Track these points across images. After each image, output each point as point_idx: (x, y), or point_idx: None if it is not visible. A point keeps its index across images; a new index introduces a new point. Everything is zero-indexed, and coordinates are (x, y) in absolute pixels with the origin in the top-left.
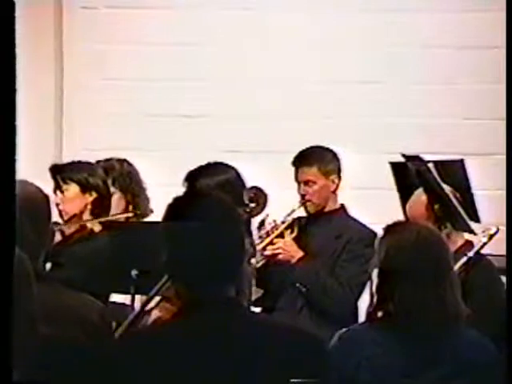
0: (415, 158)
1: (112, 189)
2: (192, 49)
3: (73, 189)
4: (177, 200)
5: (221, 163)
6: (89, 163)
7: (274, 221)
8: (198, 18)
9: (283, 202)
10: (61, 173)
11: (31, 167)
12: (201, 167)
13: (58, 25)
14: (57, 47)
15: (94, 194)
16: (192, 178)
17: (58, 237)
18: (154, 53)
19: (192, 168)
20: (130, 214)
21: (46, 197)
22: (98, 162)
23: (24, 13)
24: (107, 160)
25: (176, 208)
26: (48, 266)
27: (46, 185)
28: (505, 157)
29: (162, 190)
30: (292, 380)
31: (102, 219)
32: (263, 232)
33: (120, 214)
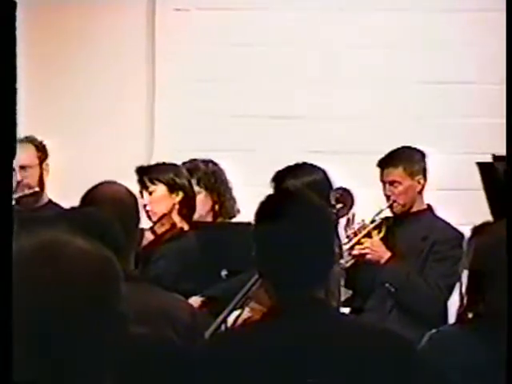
0: (503, 159)
1: (197, 188)
2: (280, 50)
3: (160, 189)
4: (268, 199)
5: (308, 164)
6: (173, 164)
7: (363, 220)
8: (289, 19)
9: (368, 203)
10: (148, 174)
11: (121, 168)
12: (288, 168)
13: (151, 26)
14: (149, 48)
15: (181, 194)
16: (279, 178)
17: (149, 236)
18: (243, 54)
19: (279, 169)
20: None
21: (135, 197)
22: (184, 162)
23: (116, 13)
24: (192, 160)
25: (267, 207)
26: (139, 265)
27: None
28: None
29: (249, 191)
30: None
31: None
32: (351, 232)
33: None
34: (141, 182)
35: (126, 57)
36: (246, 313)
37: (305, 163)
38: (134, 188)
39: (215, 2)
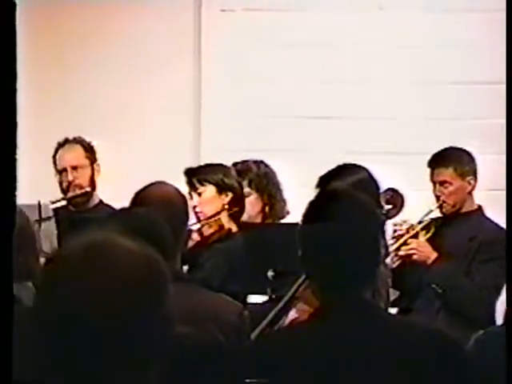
0: None
1: (248, 190)
2: (323, 50)
3: (209, 190)
4: (316, 200)
5: (352, 164)
6: (221, 165)
7: (408, 222)
8: (329, 20)
9: (416, 203)
10: (196, 175)
11: (169, 169)
12: (331, 171)
13: (197, 27)
14: (195, 49)
15: (230, 195)
16: (324, 181)
17: (196, 237)
18: (288, 54)
19: (327, 169)
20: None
21: (184, 198)
22: (235, 163)
23: (163, 14)
24: (244, 161)
25: (314, 208)
26: (186, 266)
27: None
28: None
29: (299, 192)
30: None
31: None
32: (397, 233)
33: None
34: (190, 183)
35: (172, 58)
36: (293, 313)
37: (347, 164)
38: (183, 189)
39: (261, 2)
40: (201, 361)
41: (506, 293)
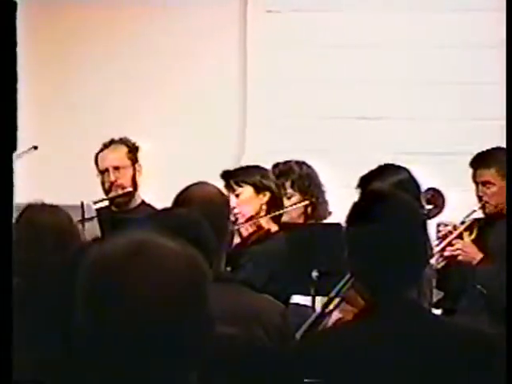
0: None
1: (290, 191)
2: (368, 50)
3: (247, 191)
4: (361, 200)
5: (392, 165)
6: (258, 166)
7: (452, 224)
8: (376, 20)
9: (459, 204)
10: (233, 177)
11: (213, 170)
12: (373, 170)
13: (243, 28)
14: (241, 50)
15: (268, 195)
16: (365, 182)
17: (236, 239)
18: (333, 55)
19: (368, 170)
20: (306, 202)
21: (226, 198)
22: (277, 164)
23: (209, 15)
24: (286, 162)
25: (359, 208)
26: (228, 267)
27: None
28: None
29: (340, 192)
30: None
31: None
32: (441, 233)
33: (293, 204)
34: (227, 185)
35: (217, 59)
36: (337, 314)
37: (388, 164)
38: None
39: (307, 3)
40: (245, 361)
41: (506, 292)
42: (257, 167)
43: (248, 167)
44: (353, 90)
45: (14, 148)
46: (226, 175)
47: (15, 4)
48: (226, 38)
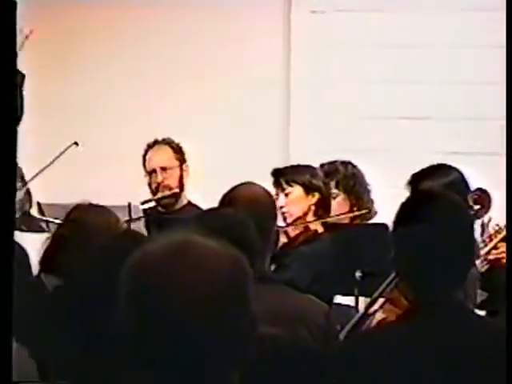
0: None
1: (335, 191)
2: (414, 51)
3: (297, 191)
4: (409, 200)
5: (444, 165)
6: (309, 166)
7: (497, 225)
8: (420, 21)
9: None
10: (284, 175)
11: (258, 170)
12: (424, 169)
13: (287, 29)
14: (285, 50)
15: (317, 195)
16: (415, 180)
17: (283, 239)
18: (378, 55)
19: (415, 170)
20: (357, 213)
21: (272, 199)
22: (323, 164)
23: (252, 16)
24: (331, 162)
25: (407, 208)
26: (273, 267)
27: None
28: None
29: (386, 192)
30: None
31: (325, 219)
32: (486, 236)
33: (345, 213)
34: (277, 183)
35: (261, 59)
36: (381, 314)
37: (441, 164)
38: (271, 190)
39: (351, 3)
40: (289, 362)
41: (506, 292)
42: (307, 167)
43: (299, 166)
44: (397, 90)
45: (14, 148)
46: (277, 173)
47: (15, 4)
48: (269, 39)
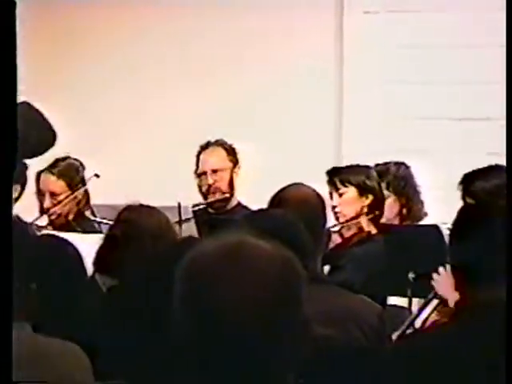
0: None
1: (386, 192)
2: (463, 51)
3: (351, 191)
4: (469, 205)
5: (497, 166)
6: (365, 166)
7: None
8: (470, 21)
9: None
10: (339, 175)
11: (310, 171)
12: (477, 170)
13: (339, 29)
14: (337, 51)
15: (371, 197)
16: (467, 180)
17: (336, 239)
18: (431, 56)
19: (466, 171)
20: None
21: (323, 200)
22: (377, 165)
23: (306, 16)
24: (385, 163)
25: (467, 212)
26: (327, 268)
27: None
28: None
29: (437, 194)
30: None
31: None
32: None
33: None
34: (331, 183)
35: (314, 60)
36: (434, 316)
37: (494, 166)
38: (323, 191)
39: (405, 4)
40: (343, 362)
41: (506, 291)
42: (362, 167)
43: (354, 167)
44: (449, 91)
45: (14, 149)
46: (332, 172)
47: (15, 4)
48: (322, 40)
